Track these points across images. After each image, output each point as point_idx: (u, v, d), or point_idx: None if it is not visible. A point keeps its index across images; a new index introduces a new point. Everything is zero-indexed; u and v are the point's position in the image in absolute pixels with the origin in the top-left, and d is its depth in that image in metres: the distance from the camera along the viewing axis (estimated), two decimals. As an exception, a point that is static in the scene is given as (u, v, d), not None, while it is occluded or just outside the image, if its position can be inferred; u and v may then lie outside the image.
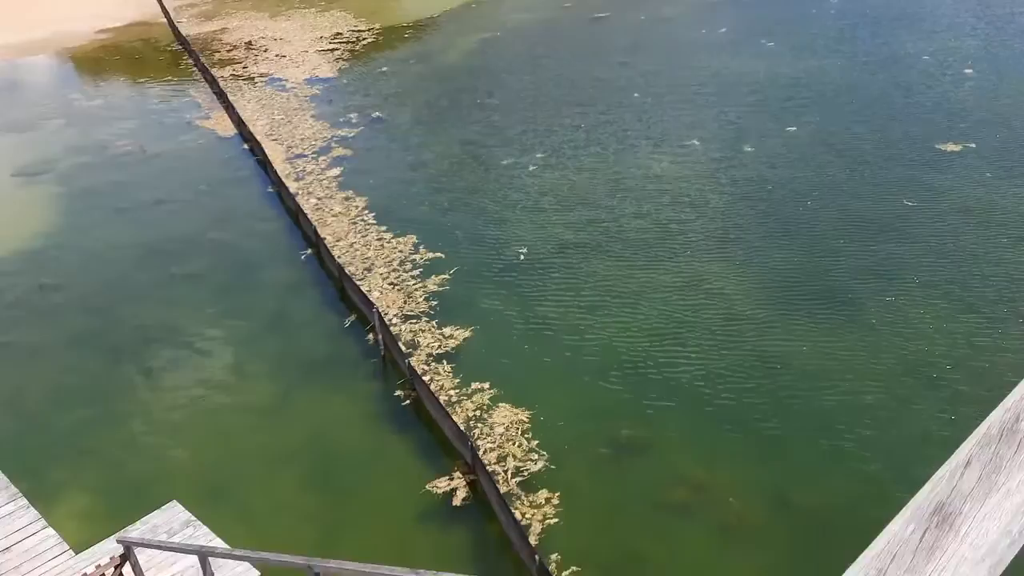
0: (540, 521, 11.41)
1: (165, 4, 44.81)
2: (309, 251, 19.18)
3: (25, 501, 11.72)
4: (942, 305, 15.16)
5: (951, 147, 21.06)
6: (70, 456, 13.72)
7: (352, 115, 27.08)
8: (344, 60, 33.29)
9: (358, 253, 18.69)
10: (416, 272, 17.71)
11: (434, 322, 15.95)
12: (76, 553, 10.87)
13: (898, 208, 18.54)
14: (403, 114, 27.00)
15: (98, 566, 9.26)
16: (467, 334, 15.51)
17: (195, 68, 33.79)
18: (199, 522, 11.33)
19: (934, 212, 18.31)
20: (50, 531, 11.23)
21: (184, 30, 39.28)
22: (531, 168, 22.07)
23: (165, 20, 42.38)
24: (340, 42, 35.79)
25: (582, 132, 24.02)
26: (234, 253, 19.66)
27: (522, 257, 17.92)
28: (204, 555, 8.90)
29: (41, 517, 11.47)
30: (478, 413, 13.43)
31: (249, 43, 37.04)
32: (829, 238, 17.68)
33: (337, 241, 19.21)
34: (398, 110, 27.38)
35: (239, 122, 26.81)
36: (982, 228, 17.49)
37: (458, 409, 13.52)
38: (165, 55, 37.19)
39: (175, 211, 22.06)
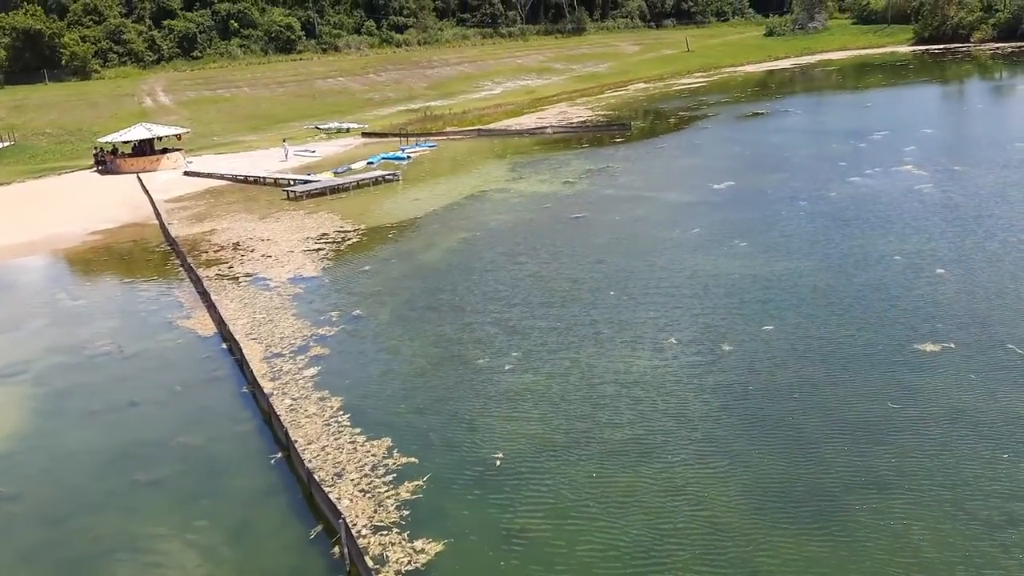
0: None
1: (158, 206, 46.30)
2: (280, 455, 18.62)
3: None
4: (944, 526, 14.32)
5: (930, 347, 21.12)
6: None
7: (332, 313, 27.24)
8: (328, 259, 33.97)
9: (330, 457, 18.14)
10: (389, 478, 17.11)
11: (405, 534, 15.20)
12: None
13: (884, 412, 18.21)
14: (382, 313, 27.18)
15: None
16: (440, 548, 14.73)
17: (181, 268, 34.37)
18: None
19: (922, 417, 17.93)
20: None
21: (175, 231, 40.30)
22: (507, 368, 21.91)
23: (157, 222, 43.61)
24: (326, 242, 36.69)
25: (557, 333, 24.03)
26: (202, 457, 19.05)
27: (498, 464, 17.39)
28: None
29: None
30: (447, 640, 12.52)
31: (237, 244, 37.91)
32: (815, 445, 17.19)
33: (309, 444, 18.71)
34: (378, 308, 27.59)
35: (220, 321, 26.89)
36: (975, 437, 16.99)
37: (426, 635, 12.62)
38: (154, 256, 37.91)
39: (146, 413, 21.61)
